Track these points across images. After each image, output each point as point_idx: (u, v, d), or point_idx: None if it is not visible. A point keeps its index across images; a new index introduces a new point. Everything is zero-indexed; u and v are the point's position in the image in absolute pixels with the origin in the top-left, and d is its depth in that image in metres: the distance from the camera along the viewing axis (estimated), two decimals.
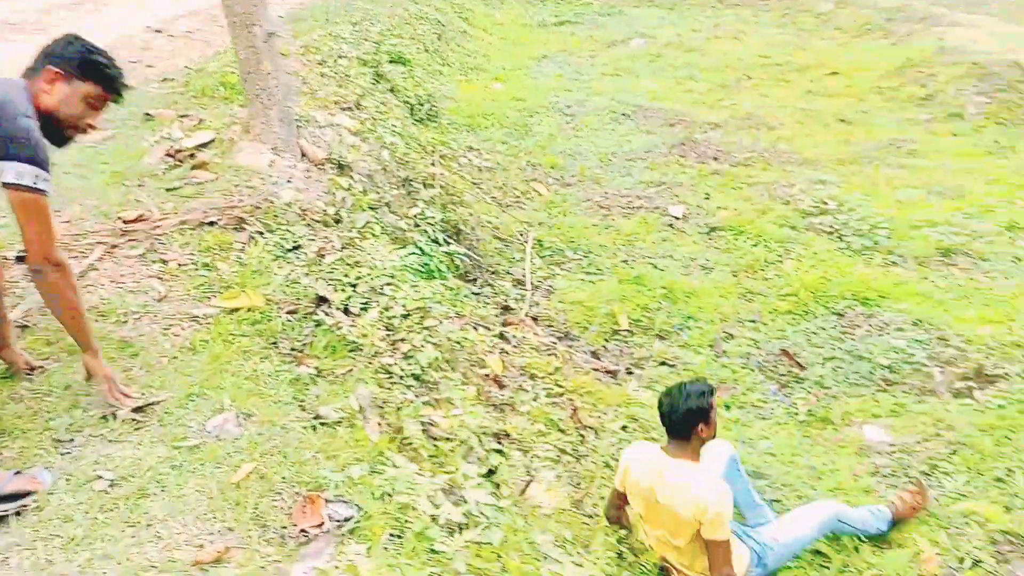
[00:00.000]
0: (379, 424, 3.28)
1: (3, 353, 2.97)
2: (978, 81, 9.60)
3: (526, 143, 8.79)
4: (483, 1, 15.12)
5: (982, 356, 5.02)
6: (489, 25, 13.66)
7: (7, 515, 2.37)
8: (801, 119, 9.57)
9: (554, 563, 2.89)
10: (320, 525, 2.49)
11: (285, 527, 2.49)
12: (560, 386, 4.60)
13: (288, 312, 3.67)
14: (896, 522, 3.79)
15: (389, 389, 3.53)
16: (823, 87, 10.63)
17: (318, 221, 4.49)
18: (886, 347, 5.23)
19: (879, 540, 3.77)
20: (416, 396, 3.60)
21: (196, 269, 3.79)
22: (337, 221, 4.64)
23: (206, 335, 3.37)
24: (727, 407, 4.89)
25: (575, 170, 8.15)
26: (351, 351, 3.63)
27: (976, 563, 3.47)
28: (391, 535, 2.54)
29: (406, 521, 2.61)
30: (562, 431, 4.22)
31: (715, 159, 8.34)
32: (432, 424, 3.48)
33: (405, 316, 4.01)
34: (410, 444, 3.26)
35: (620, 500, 3.60)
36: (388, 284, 4.15)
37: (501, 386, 4.37)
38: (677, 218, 7.16)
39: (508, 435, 3.90)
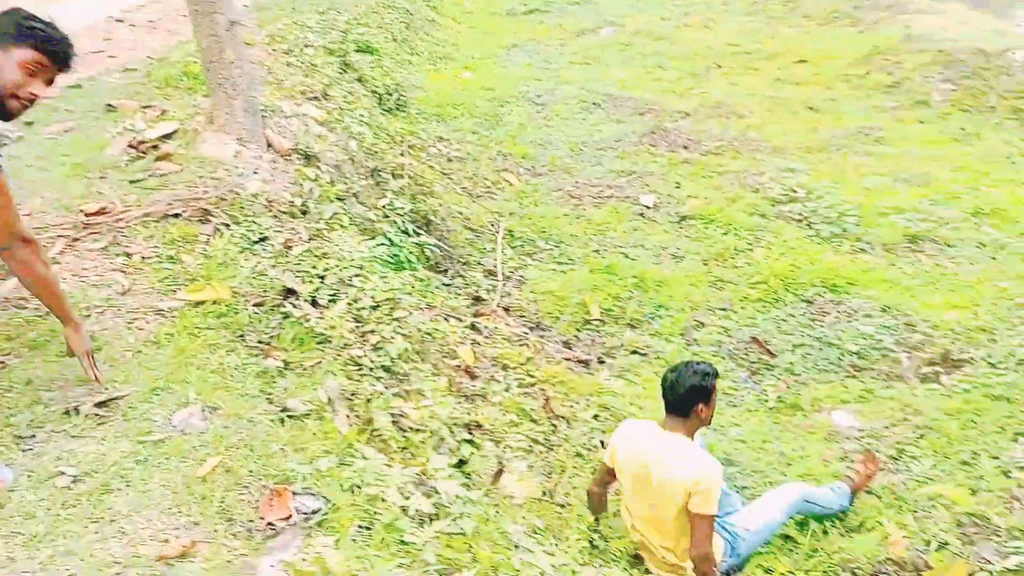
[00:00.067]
0: (348, 416, 3.25)
1: None
2: (944, 68, 9.68)
3: (496, 133, 8.75)
4: None
5: (948, 341, 5.09)
6: (458, 14, 13.57)
7: None
8: (770, 107, 9.60)
9: (525, 552, 2.88)
10: (287, 518, 2.47)
11: (252, 520, 2.47)
12: (532, 376, 4.60)
13: (255, 304, 3.63)
14: (855, 494, 3.88)
15: (358, 381, 3.50)
16: (791, 75, 10.66)
17: (285, 212, 4.44)
18: (854, 333, 5.27)
19: (845, 519, 3.83)
20: (386, 388, 3.58)
21: (160, 262, 3.74)
22: (304, 212, 4.59)
23: (171, 328, 3.32)
24: None
25: (546, 160, 8.12)
26: (319, 343, 3.60)
27: (942, 545, 3.51)
28: (360, 527, 2.52)
29: (375, 513, 2.60)
30: (534, 421, 4.22)
31: (685, 148, 8.35)
32: (402, 415, 3.46)
33: (374, 307, 3.98)
34: (380, 436, 3.23)
35: (607, 477, 3.64)
36: (357, 275, 4.12)
37: (473, 377, 4.35)
38: (648, 207, 7.16)
39: (480, 426, 3.89)
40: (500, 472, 3.66)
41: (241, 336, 3.45)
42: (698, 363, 3.49)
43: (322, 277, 3.99)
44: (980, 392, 4.52)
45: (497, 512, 3.16)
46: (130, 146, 4.63)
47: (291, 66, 6.79)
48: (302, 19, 8.28)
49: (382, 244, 4.96)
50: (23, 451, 2.59)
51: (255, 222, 4.17)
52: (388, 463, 2.96)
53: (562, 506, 3.75)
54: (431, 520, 2.69)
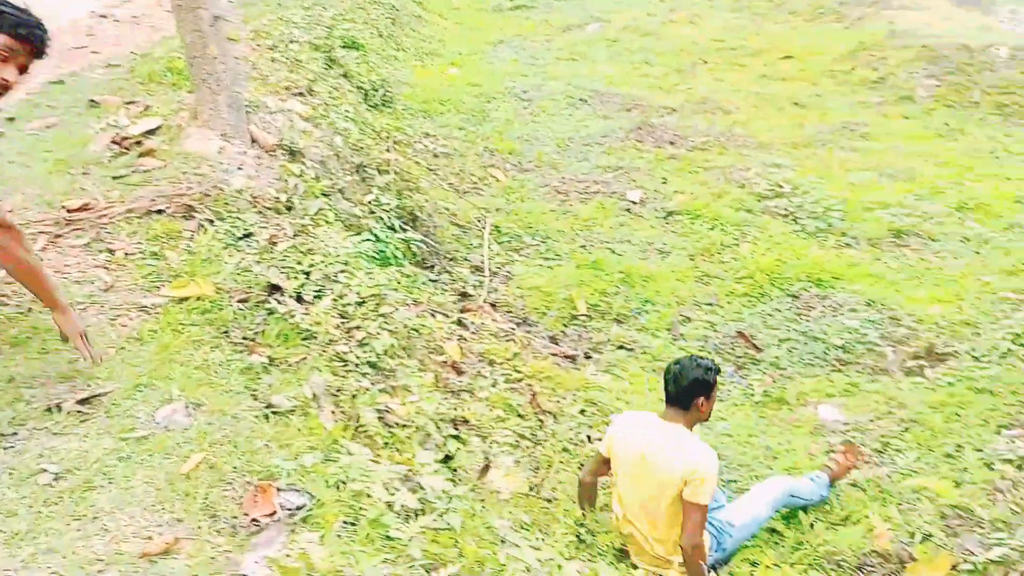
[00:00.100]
0: (333, 412, 3.24)
1: None
2: (928, 64, 9.73)
3: (483, 129, 8.74)
4: None
5: (932, 335, 5.12)
6: (444, 10, 13.53)
7: None
8: (756, 103, 9.63)
9: (512, 547, 2.87)
10: (272, 514, 2.45)
11: (236, 517, 2.45)
12: (519, 371, 4.60)
13: (239, 301, 3.61)
14: (833, 483, 3.92)
15: (344, 377, 3.49)
16: (777, 71, 10.70)
17: (269, 208, 4.42)
18: (840, 328, 5.30)
19: (830, 512, 3.85)
20: (372, 384, 3.57)
21: (144, 258, 3.71)
22: (289, 208, 4.57)
23: (155, 325, 3.30)
24: None
25: (532, 155, 8.12)
26: (304, 339, 3.58)
27: (927, 537, 3.53)
28: (345, 523, 2.51)
29: (360, 508, 2.58)
30: (521, 416, 4.22)
31: (671, 143, 8.36)
32: (388, 411, 3.45)
33: (360, 303, 3.96)
34: (365, 432, 3.23)
35: (601, 467, 3.66)
36: (342, 271, 4.10)
37: (459, 372, 4.35)
38: (634, 203, 7.17)
39: (466, 421, 3.89)
40: (487, 467, 3.65)
41: (225, 332, 3.42)
42: (702, 357, 3.56)
43: (307, 273, 3.97)
44: (964, 385, 4.55)
45: (483, 507, 3.15)
46: (113, 142, 4.59)
47: (276, 62, 6.75)
48: (287, 14, 8.24)
49: (368, 240, 4.94)
50: (4, 449, 2.56)
51: (239, 218, 4.15)
52: (374, 459, 2.95)
53: (549, 501, 3.75)
54: (417, 516, 2.68)
